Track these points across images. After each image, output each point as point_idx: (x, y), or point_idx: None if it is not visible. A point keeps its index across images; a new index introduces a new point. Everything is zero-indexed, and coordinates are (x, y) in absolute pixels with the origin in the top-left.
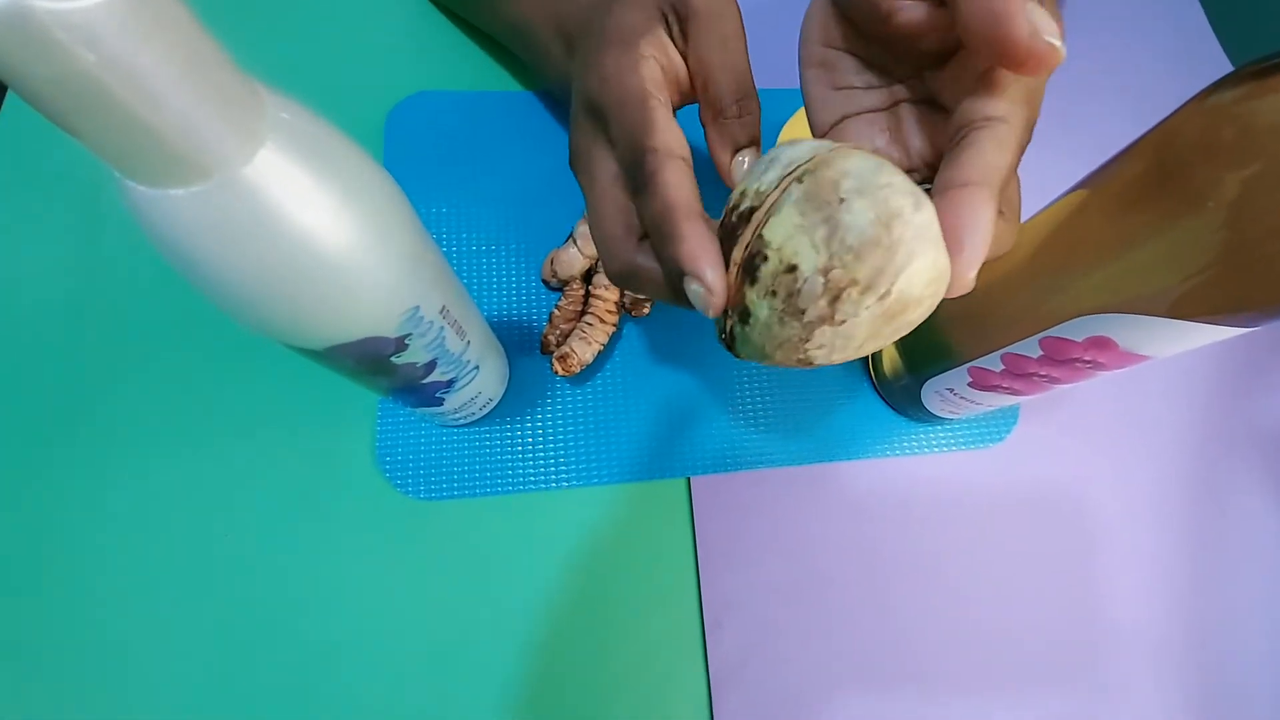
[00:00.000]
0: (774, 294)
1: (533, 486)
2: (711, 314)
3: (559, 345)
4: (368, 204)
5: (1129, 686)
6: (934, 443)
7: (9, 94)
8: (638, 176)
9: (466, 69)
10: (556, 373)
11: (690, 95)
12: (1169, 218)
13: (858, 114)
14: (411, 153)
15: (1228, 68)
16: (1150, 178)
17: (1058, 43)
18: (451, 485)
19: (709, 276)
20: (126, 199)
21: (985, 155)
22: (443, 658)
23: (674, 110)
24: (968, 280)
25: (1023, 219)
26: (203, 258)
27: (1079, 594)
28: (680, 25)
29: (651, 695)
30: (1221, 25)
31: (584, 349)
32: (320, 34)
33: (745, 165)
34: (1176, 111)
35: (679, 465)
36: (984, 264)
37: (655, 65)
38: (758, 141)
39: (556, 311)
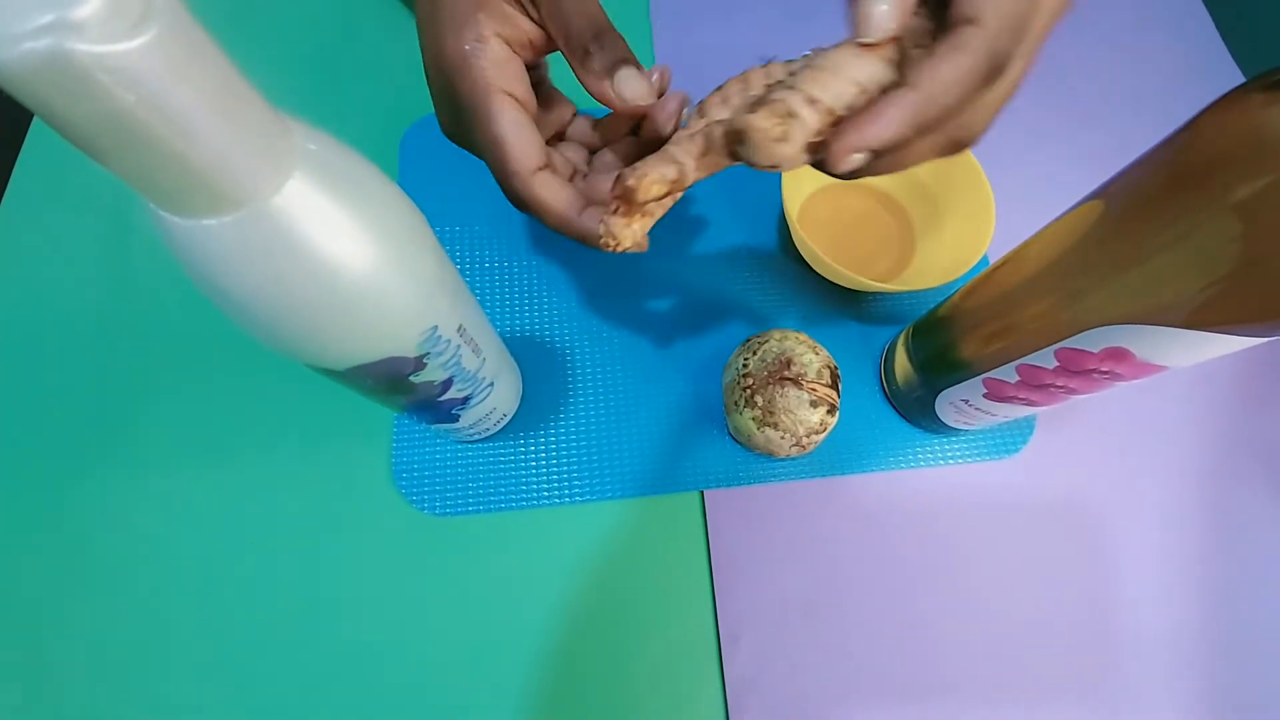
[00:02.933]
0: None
1: (547, 501)
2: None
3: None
4: (391, 230)
5: (1147, 696)
6: (949, 454)
7: (35, 117)
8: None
9: None
10: (611, 220)
11: (545, 48)
12: (1186, 227)
13: None
14: (426, 172)
15: (1236, 73)
16: (1166, 187)
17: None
18: (466, 501)
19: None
20: (159, 228)
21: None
22: (457, 672)
23: (530, 63)
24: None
25: (1035, 229)
26: (232, 284)
27: (1096, 605)
28: None
29: (668, 709)
30: (1230, 32)
31: (664, 169)
32: (338, 56)
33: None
34: (1192, 121)
35: (692, 479)
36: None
37: (498, 44)
38: (631, 58)
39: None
